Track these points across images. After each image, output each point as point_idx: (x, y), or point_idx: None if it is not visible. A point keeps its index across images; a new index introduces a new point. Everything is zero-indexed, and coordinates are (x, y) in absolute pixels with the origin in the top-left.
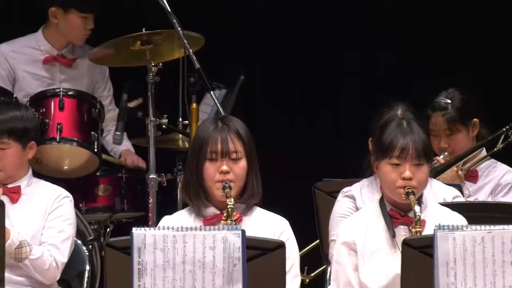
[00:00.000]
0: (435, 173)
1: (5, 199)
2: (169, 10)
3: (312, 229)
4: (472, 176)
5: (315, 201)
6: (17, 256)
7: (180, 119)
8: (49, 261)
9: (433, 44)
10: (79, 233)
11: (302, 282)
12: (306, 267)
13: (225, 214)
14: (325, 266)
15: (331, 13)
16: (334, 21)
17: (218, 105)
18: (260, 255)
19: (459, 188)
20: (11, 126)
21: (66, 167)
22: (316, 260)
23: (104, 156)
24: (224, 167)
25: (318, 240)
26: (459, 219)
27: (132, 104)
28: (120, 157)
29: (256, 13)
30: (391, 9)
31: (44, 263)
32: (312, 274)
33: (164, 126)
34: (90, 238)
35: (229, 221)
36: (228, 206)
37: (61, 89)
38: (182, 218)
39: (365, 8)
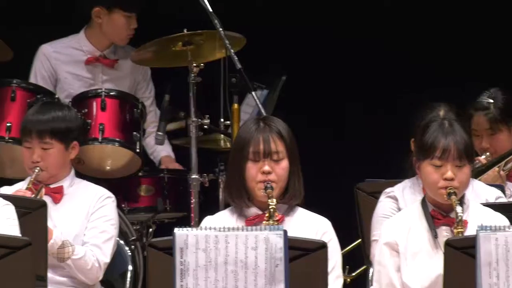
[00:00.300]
0: (477, 173)
1: (47, 199)
2: (211, 10)
3: (353, 229)
4: None
5: (357, 202)
6: (60, 256)
7: (222, 120)
8: (92, 261)
9: (478, 48)
10: (122, 234)
11: (343, 281)
12: (347, 267)
13: (267, 215)
14: (366, 266)
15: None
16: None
17: (260, 105)
18: (302, 256)
19: (501, 188)
20: (54, 126)
21: (108, 168)
22: (357, 259)
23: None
24: (266, 168)
25: (359, 240)
26: (502, 220)
27: (172, 126)
28: (160, 164)
29: (299, 13)
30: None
31: (86, 263)
32: (354, 274)
33: (205, 127)
34: (133, 238)
35: (271, 222)
36: (270, 207)
37: (103, 90)
38: (224, 218)
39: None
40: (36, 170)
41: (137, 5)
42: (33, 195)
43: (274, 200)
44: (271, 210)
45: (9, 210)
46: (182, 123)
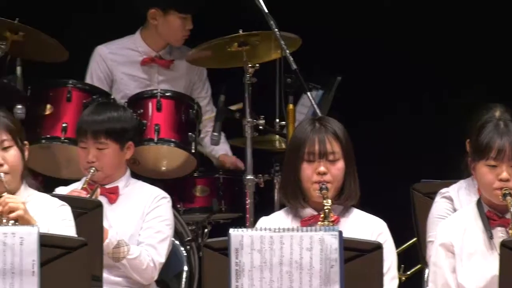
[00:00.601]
0: None
1: (103, 199)
2: (266, 11)
3: (408, 229)
4: None
5: (413, 202)
6: (115, 256)
7: (277, 120)
8: (147, 261)
9: None
10: (177, 234)
11: (398, 280)
12: (402, 266)
13: (322, 215)
14: (421, 265)
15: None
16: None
17: (315, 106)
18: (358, 257)
19: None
20: (109, 127)
21: (163, 168)
22: (412, 259)
23: (201, 148)
24: (322, 168)
25: (414, 239)
26: None
27: (231, 108)
28: (218, 161)
29: (354, 13)
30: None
31: (141, 263)
32: (408, 273)
33: (261, 127)
34: (188, 239)
35: (326, 222)
36: (325, 207)
37: (159, 90)
38: (279, 219)
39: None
40: (92, 170)
41: (192, 6)
42: (88, 195)
43: (329, 201)
44: (326, 211)
45: (65, 211)
46: (240, 105)
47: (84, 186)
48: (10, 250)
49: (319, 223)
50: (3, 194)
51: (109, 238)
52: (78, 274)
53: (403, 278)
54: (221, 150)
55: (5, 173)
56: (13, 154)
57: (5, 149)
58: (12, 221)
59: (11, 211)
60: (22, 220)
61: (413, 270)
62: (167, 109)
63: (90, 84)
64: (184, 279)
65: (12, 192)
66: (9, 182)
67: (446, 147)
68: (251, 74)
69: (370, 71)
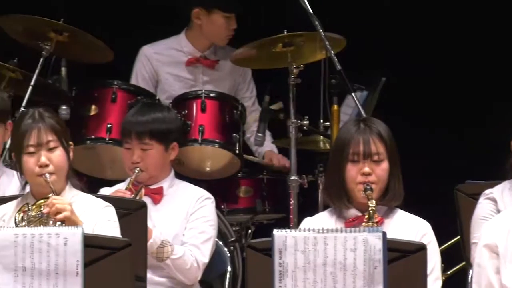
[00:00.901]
0: None
1: (147, 200)
2: (311, 12)
3: (450, 228)
4: None
5: (457, 203)
6: (159, 256)
7: (321, 121)
8: (190, 261)
9: None
10: (221, 235)
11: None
12: (442, 265)
13: (366, 216)
14: (465, 267)
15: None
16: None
17: (360, 106)
18: (401, 257)
19: None
20: (153, 127)
21: (208, 169)
22: (453, 258)
23: (247, 156)
24: (366, 169)
25: (457, 237)
26: None
27: (272, 107)
28: (263, 159)
29: (399, 13)
30: None
31: (185, 263)
32: (449, 272)
33: (305, 128)
34: (232, 239)
35: (370, 223)
36: (370, 208)
37: (203, 91)
38: (323, 219)
39: None
40: (136, 171)
41: (236, 5)
42: (132, 195)
43: (374, 202)
44: (371, 211)
45: (110, 212)
46: (280, 104)
47: (129, 186)
48: (54, 250)
49: (363, 224)
50: (50, 195)
51: (153, 238)
52: (122, 275)
53: (444, 278)
54: (267, 147)
55: (51, 173)
56: (58, 154)
57: (50, 149)
58: (58, 223)
59: (58, 212)
60: (69, 222)
61: (454, 269)
62: (212, 109)
63: (135, 84)
64: (227, 280)
65: (57, 193)
66: (54, 183)
67: (491, 148)
68: (295, 74)
69: (416, 71)
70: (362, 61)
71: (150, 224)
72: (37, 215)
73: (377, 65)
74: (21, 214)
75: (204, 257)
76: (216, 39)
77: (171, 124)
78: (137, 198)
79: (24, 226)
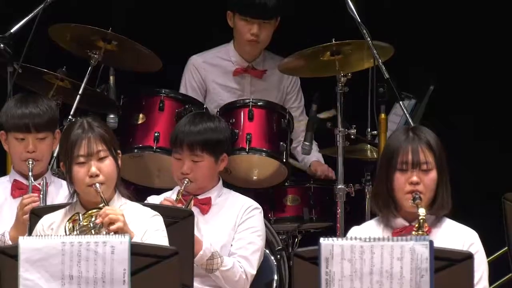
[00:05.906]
0: None
1: (195, 210)
2: (359, 20)
3: (498, 239)
4: None
5: (505, 212)
6: (209, 267)
7: (369, 129)
8: (239, 272)
9: None
10: (268, 243)
11: None
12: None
13: (416, 225)
14: (511, 275)
15: None
16: None
17: (407, 115)
18: (448, 266)
19: None
20: (205, 138)
21: (255, 178)
22: (501, 269)
23: (293, 161)
24: (414, 178)
25: (505, 248)
26: None
27: (323, 116)
28: (309, 167)
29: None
30: None
31: (234, 274)
32: (497, 283)
33: (352, 136)
34: (279, 248)
35: (420, 232)
36: (420, 218)
37: (251, 100)
38: (370, 228)
39: None
40: (186, 182)
41: (254, 10)
42: (183, 206)
43: (424, 211)
44: (421, 220)
45: (158, 221)
46: (332, 111)
47: (179, 197)
48: (101, 259)
49: (413, 233)
50: (101, 205)
51: (203, 249)
52: (169, 283)
53: None
54: (313, 157)
55: (101, 183)
56: (108, 164)
57: (101, 159)
58: (112, 233)
59: (111, 223)
60: (122, 232)
61: (501, 280)
62: (259, 118)
63: (182, 93)
64: None
65: (107, 202)
66: (104, 192)
67: None
68: (343, 83)
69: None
70: (410, 69)
71: (198, 234)
72: (89, 225)
73: (425, 74)
74: (71, 224)
75: (253, 269)
76: (240, 43)
77: (221, 134)
78: (188, 209)
79: (76, 235)
